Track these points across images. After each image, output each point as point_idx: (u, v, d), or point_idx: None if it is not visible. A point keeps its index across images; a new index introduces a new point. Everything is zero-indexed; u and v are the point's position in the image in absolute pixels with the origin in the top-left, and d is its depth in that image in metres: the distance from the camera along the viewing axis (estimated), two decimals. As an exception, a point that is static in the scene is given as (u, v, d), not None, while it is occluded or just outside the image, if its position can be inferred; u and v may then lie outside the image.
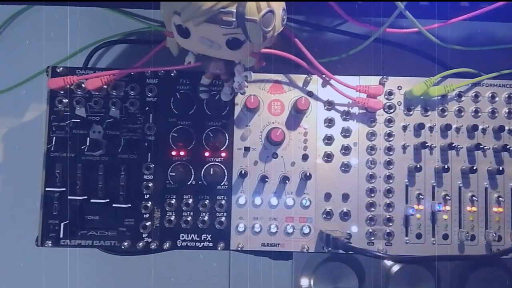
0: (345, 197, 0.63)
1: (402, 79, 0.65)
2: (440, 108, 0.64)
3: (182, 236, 0.63)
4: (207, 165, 0.63)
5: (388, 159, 0.64)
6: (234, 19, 0.48)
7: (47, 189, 0.62)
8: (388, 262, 0.65)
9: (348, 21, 0.61)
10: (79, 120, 0.62)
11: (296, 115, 0.64)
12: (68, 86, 0.62)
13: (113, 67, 0.63)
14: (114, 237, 0.62)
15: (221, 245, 0.62)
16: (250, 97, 0.62)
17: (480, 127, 0.64)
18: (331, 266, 0.64)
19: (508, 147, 0.63)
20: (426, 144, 0.63)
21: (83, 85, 0.62)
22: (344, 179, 0.64)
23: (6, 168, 0.76)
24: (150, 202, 0.62)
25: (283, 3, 0.52)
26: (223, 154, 0.64)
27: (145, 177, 0.63)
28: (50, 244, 0.62)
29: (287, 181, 0.62)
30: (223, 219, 0.62)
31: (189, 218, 0.62)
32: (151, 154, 0.63)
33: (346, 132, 0.64)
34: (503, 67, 0.66)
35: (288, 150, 0.64)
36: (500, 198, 0.63)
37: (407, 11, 0.59)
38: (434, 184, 0.64)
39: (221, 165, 0.63)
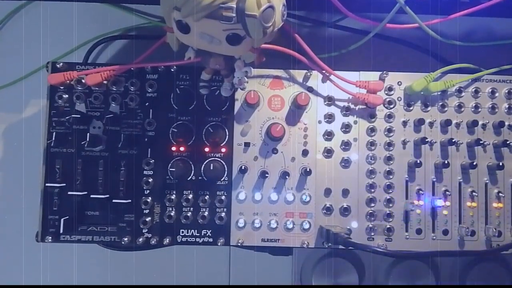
0: (345, 192, 0.63)
1: (402, 74, 0.65)
2: (440, 103, 0.64)
3: (182, 232, 0.63)
4: (207, 160, 0.63)
5: (388, 155, 0.64)
6: (234, 15, 0.47)
7: (47, 184, 0.62)
8: (388, 258, 0.65)
9: (348, 17, 0.61)
10: (79, 116, 0.62)
11: (296, 110, 0.64)
12: (68, 81, 0.62)
13: (113, 63, 0.63)
14: (114, 232, 0.62)
15: (221, 240, 0.62)
16: (250, 93, 0.62)
17: (480, 122, 0.64)
18: (331, 262, 0.64)
19: (508, 142, 0.63)
20: (426, 140, 0.63)
21: (83, 81, 0.62)
22: (344, 175, 0.64)
23: (6, 163, 0.76)
24: (150, 198, 0.62)
25: (283, -2, 0.52)
26: (223, 150, 0.64)
27: (145, 172, 0.63)
28: (50, 240, 0.62)
29: (287, 177, 0.62)
30: (223, 214, 0.62)
31: (189, 214, 0.62)
32: (151, 150, 0.63)
33: (346, 128, 0.64)
34: (503, 63, 0.66)
35: (288, 145, 0.64)
36: (500, 194, 0.63)
37: (407, 7, 0.59)
38: (434, 179, 0.64)
39: (221, 161, 0.63)
